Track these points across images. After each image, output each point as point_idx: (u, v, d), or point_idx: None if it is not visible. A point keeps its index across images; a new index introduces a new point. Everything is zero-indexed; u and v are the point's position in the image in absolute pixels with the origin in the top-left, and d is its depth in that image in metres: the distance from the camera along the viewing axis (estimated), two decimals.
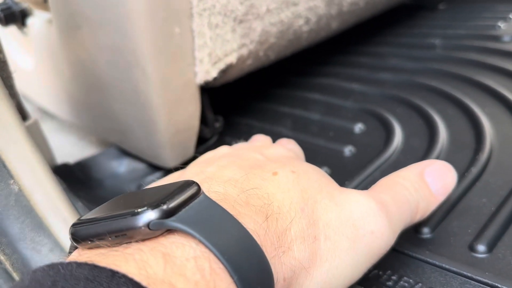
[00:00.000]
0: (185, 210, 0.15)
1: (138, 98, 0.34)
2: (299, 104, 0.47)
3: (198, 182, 0.17)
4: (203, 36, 0.33)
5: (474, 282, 0.22)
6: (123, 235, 0.14)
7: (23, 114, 0.37)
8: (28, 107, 0.74)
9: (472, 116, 0.37)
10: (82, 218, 0.16)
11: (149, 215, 0.14)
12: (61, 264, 0.13)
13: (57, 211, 0.28)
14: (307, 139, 0.40)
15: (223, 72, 0.36)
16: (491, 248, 0.24)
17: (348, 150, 0.37)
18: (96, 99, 0.40)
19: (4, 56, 0.36)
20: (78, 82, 0.42)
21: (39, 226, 0.27)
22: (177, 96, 0.34)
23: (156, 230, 0.14)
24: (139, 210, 0.14)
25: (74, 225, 0.15)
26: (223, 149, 0.25)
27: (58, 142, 0.64)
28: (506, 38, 0.52)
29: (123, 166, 0.42)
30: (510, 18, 0.58)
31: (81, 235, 0.15)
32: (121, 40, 0.32)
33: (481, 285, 0.22)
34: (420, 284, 0.22)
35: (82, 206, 0.32)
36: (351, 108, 0.44)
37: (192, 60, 0.34)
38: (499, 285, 0.21)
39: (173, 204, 0.15)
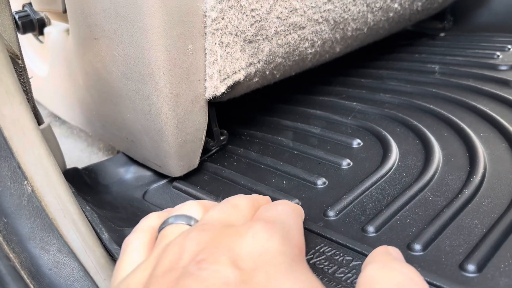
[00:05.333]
0: None
1: (150, 109, 0.36)
2: (301, 118, 0.48)
3: None
4: (214, 54, 0.34)
5: None
6: None
7: (38, 119, 0.39)
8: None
9: (467, 140, 0.39)
10: None
11: None
12: None
13: (67, 213, 0.29)
14: (306, 150, 0.41)
15: (231, 88, 0.38)
16: (480, 268, 0.25)
17: (345, 163, 0.38)
18: (108, 108, 0.42)
19: (23, 62, 0.38)
20: (91, 91, 0.44)
21: (49, 226, 0.28)
22: (186, 108, 0.36)
23: None
24: None
25: None
26: (190, 244, 0.18)
27: (67, 147, 0.66)
28: (503, 67, 0.54)
29: (129, 173, 0.44)
30: (508, 48, 0.60)
31: None
32: (137, 53, 0.34)
33: None
34: None
35: (90, 210, 0.33)
36: (351, 125, 0.45)
37: (203, 75, 0.35)
38: None
39: None
